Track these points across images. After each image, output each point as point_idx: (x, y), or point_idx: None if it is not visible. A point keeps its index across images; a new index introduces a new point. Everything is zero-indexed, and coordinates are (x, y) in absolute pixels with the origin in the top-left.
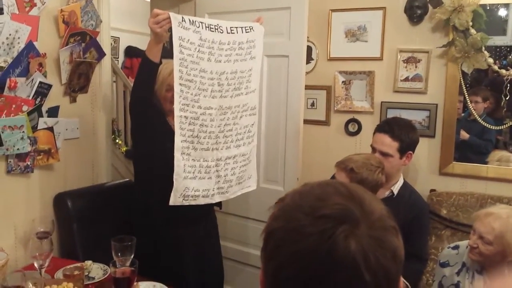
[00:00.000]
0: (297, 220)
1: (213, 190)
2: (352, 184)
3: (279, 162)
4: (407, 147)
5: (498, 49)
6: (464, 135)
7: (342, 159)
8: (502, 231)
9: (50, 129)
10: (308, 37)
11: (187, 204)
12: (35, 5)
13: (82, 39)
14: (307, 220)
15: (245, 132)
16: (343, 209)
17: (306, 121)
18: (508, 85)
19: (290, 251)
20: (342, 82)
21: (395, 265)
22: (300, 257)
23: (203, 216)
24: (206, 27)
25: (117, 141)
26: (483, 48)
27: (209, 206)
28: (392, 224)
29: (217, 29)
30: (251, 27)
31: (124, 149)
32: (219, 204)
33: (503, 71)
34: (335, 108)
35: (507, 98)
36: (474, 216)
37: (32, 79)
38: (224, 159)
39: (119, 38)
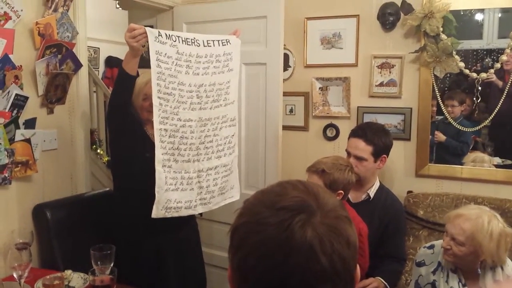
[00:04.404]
0: (259, 213)
1: (195, 201)
2: (308, 181)
3: (260, 168)
4: (380, 150)
5: (475, 53)
6: (441, 137)
7: (312, 164)
8: (473, 231)
9: (28, 140)
10: (284, 45)
11: (170, 216)
12: (10, 18)
13: (58, 50)
14: (268, 212)
15: (225, 143)
16: (300, 201)
17: (285, 127)
18: (480, 87)
19: (253, 241)
20: (319, 88)
21: (349, 250)
22: (262, 246)
23: (183, 223)
24: (182, 41)
25: (98, 151)
26: (454, 52)
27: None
28: (344, 214)
29: (193, 42)
30: (227, 40)
31: (106, 159)
32: None
33: (474, 74)
34: (313, 114)
35: (478, 101)
36: (446, 218)
37: (8, 92)
38: (206, 170)
39: (99, 48)
